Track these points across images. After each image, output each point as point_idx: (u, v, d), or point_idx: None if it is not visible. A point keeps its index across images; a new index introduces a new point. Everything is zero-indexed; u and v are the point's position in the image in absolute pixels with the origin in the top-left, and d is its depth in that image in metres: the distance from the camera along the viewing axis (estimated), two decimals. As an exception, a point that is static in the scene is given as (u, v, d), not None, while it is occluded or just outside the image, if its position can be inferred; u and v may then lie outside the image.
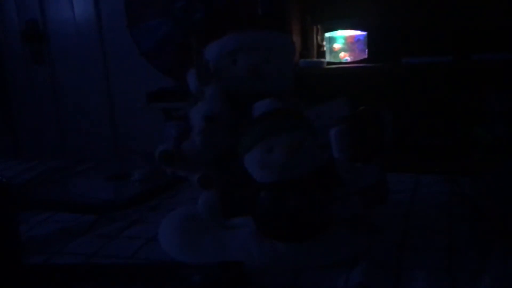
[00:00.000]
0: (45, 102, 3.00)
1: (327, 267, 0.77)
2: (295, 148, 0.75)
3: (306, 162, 0.77)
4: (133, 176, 1.31)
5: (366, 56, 2.22)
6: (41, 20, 2.88)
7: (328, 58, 2.24)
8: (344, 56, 2.22)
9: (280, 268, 0.77)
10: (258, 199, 0.78)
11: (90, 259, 0.88)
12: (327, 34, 2.25)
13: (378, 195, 0.83)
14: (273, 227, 0.78)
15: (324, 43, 2.27)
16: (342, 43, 2.22)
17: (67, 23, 2.84)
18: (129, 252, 0.89)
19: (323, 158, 0.79)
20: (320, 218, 0.79)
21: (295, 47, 0.98)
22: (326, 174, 0.78)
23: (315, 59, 2.30)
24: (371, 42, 2.22)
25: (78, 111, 2.94)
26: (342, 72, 2.21)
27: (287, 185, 0.76)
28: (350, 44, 2.22)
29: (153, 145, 0.90)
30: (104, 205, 1.13)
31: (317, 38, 2.32)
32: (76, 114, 2.95)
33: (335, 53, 2.23)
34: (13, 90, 3.06)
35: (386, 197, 0.85)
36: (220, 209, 0.82)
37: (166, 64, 2.13)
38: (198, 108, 0.87)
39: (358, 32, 2.23)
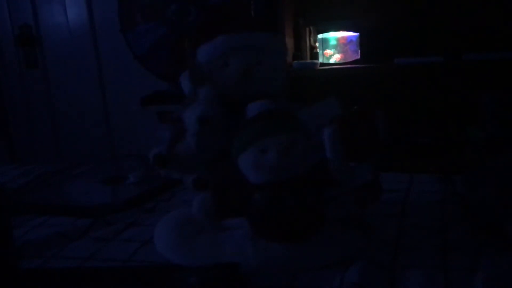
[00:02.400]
0: (39, 106, 2.99)
1: (322, 268, 0.78)
2: (288, 148, 0.75)
3: (300, 163, 0.77)
4: (128, 179, 1.31)
5: (358, 57, 2.23)
6: (34, 25, 2.87)
7: (321, 59, 2.26)
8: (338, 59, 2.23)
9: (276, 269, 0.78)
10: (252, 200, 0.78)
11: (86, 262, 0.88)
12: (319, 36, 2.26)
13: (371, 194, 0.84)
14: (268, 228, 0.79)
15: (317, 44, 2.28)
16: (334, 44, 2.23)
17: (60, 27, 2.83)
18: (125, 255, 0.89)
19: (316, 158, 0.79)
20: (314, 218, 0.79)
21: (287, 48, 0.98)
22: (320, 174, 0.79)
23: (308, 61, 2.31)
24: (364, 43, 2.23)
25: (73, 115, 2.94)
26: (335, 73, 2.22)
27: (281, 185, 0.77)
28: (343, 45, 2.23)
29: (148, 148, 0.90)
30: (99, 208, 1.13)
31: (310, 40, 2.34)
32: (71, 118, 2.95)
33: (325, 55, 2.25)
34: (6, 94, 3.05)
35: (379, 196, 0.86)
36: (215, 211, 0.82)
37: (160, 67, 2.12)
38: (191, 110, 0.87)
39: (350, 33, 2.24)
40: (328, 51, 2.23)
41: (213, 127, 0.85)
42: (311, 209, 0.79)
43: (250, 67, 0.90)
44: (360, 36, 2.23)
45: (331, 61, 2.23)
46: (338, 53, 2.24)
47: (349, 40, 2.23)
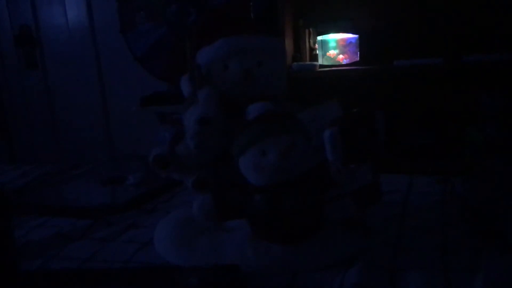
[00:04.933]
0: (39, 107, 2.99)
1: (322, 269, 0.78)
2: (288, 150, 0.75)
3: (300, 164, 0.77)
4: (128, 180, 1.31)
5: (358, 58, 2.24)
6: (34, 25, 2.88)
7: (320, 61, 2.26)
8: (341, 59, 2.24)
9: (276, 270, 0.78)
10: (252, 202, 0.78)
11: (86, 263, 0.88)
12: (319, 37, 2.26)
13: (371, 196, 0.84)
14: (267, 229, 0.79)
15: (317, 46, 2.29)
16: (334, 46, 2.24)
17: (60, 28, 2.83)
18: (125, 256, 0.89)
19: (316, 160, 0.79)
20: (314, 220, 0.80)
21: (286, 50, 0.98)
22: (320, 176, 0.79)
23: (307, 62, 2.31)
24: (363, 44, 2.24)
25: (72, 116, 2.94)
26: (335, 75, 2.22)
27: (281, 187, 0.77)
28: (342, 47, 2.23)
29: (148, 149, 0.90)
30: (99, 209, 1.13)
31: (309, 41, 2.34)
32: (70, 118, 2.95)
33: (329, 56, 2.25)
34: (6, 95, 3.05)
35: (379, 198, 0.86)
36: (215, 212, 0.82)
37: (159, 68, 2.13)
38: (191, 111, 0.87)
39: (350, 35, 2.24)
40: (332, 52, 2.23)
41: (213, 129, 0.85)
42: (310, 211, 0.79)
43: (250, 70, 0.90)
44: (360, 38, 2.24)
45: (335, 62, 2.24)
46: (338, 54, 2.24)
47: (348, 42, 2.24)
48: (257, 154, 0.76)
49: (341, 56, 2.23)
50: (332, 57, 2.23)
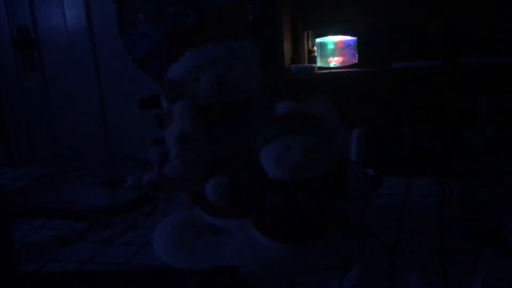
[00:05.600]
0: (37, 109, 2.99)
1: (321, 271, 0.78)
2: (311, 149, 0.76)
3: (320, 165, 0.78)
4: (126, 182, 1.31)
5: (356, 61, 2.24)
6: (32, 27, 2.88)
7: (319, 63, 2.26)
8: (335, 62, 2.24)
9: (275, 272, 0.78)
10: (265, 195, 0.79)
11: (84, 266, 0.88)
12: (317, 40, 2.27)
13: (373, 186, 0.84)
14: (276, 225, 0.79)
15: (315, 48, 2.29)
16: (332, 48, 2.24)
17: (58, 30, 2.83)
18: (123, 258, 0.89)
19: (335, 163, 0.80)
20: (323, 222, 0.80)
21: (257, 51, 0.97)
22: (336, 179, 0.80)
23: (306, 65, 2.32)
24: (361, 47, 2.24)
25: (71, 118, 2.94)
26: (333, 77, 2.23)
27: (298, 184, 0.78)
28: (341, 49, 2.24)
29: (146, 151, 0.90)
30: (98, 211, 1.13)
31: (308, 44, 2.34)
32: (69, 120, 2.95)
33: (326, 58, 2.25)
34: (4, 97, 3.05)
35: (380, 186, 0.86)
36: (228, 195, 0.81)
37: (158, 70, 2.13)
38: (170, 129, 0.85)
39: (348, 37, 2.25)
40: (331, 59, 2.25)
41: (194, 143, 0.83)
42: (321, 213, 0.80)
43: (221, 78, 0.88)
44: (358, 40, 2.24)
45: (332, 65, 2.24)
46: (336, 57, 2.24)
47: (347, 44, 2.24)
48: (281, 148, 0.77)
49: (336, 59, 2.24)
50: (330, 63, 2.24)
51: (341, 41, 2.24)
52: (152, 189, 0.89)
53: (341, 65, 2.24)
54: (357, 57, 2.24)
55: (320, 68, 2.26)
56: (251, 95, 0.93)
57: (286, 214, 0.78)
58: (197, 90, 0.89)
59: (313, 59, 2.32)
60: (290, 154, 0.76)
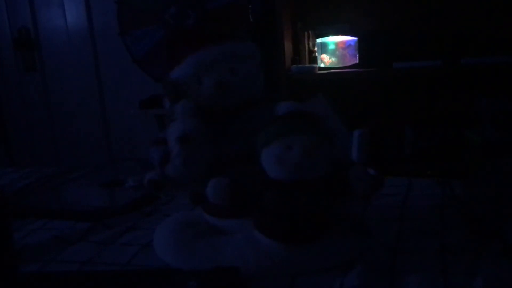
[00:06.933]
0: (37, 110, 2.99)
1: (322, 271, 0.78)
2: (313, 149, 0.76)
3: (321, 166, 0.78)
4: (127, 183, 1.31)
5: (357, 61, 2.24)
6: (33, 28, 2.87)
7: (319, 63, 2.26)
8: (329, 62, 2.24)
9: (276, 273, 0.78)
10: (265, 195, 0.78)
11: (84, 266, 0.88)
12: (318, 40, 2.27)
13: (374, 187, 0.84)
14: (276, 225, 0.79)
15: (316, 48, 2.29)
16: (333, 48, 2.24)
17: (59, 31, 2.83)
18: (124, 259, 0.89)
19: (336, 164, 0.80)
20: (322, 223, 0.80)
21: (259, 52, 0.97)
22: (337, 180, 0.79)
23: (306, 65, 2.31)
24: (362, 47, 2.24)
25: (71, 119, 2.94)
26: (334, 77, 2.22)
27: (299, 184, 0.77)
28: (341, 49, 2.24)
29: (147, 151, 0.90)
30: (98, 212, 1.13)
31: (308, 44, 2.34)
32: (69, 121, 2.94)
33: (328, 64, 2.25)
34: (5, 98, 3.04)
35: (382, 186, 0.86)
36: (228, 194, 0.81)
37: (158, 70, 2.13)
38: (171, 130, 0.86)
39: (349, 38, 2.25)
40: (325, 56, 2.24)
41: (195, 143, 0.84)
42: (321, 213, 0.79)
43: (223, 80, 0.89)
44: (359, 41, 2.24)
45: (329, 65, 2.24)
46: (337, 57, 2.24)
47: (347, 45, 2.24)
48: (282, 147, 0.77)
49: (333, 59, 2.23)
50: (327, 64, 2.24)
51: (341, 41, 2.24)
52: (153, 189, 0.89)
53: (341, 65, 2.24)
54: (357, 58, 2.24)
55: (321, 68, 2.25)
56: (253, 96, 0.93)
57: (287, 214, 0.78)
58: (199, 92, 0.89)
59: (314, 59, 2.32)
60: (291, 154, 0.76)
